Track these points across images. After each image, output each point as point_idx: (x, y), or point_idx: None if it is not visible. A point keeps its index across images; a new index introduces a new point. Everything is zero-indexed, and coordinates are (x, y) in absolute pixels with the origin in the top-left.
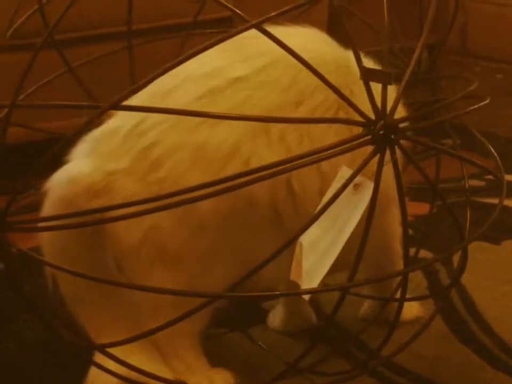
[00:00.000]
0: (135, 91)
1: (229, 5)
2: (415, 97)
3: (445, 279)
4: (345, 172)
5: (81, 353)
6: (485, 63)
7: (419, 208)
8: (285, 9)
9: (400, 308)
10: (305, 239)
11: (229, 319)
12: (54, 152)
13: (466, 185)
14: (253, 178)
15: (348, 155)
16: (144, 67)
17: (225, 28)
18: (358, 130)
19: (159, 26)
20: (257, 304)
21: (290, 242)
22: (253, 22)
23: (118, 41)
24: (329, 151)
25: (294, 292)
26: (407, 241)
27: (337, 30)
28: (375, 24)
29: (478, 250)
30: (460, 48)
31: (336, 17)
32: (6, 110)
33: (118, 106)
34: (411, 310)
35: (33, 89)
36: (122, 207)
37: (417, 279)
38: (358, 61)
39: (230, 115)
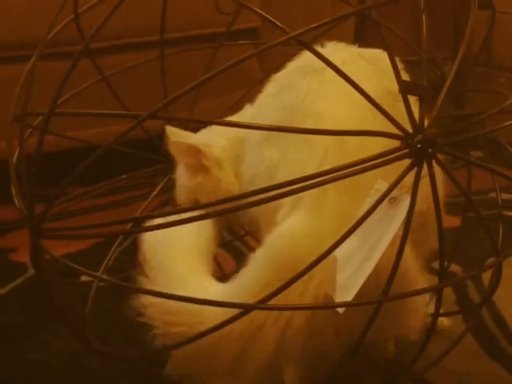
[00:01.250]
0: (173, 100)
1: (268, 17)
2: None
3: (473, 293)
4: (380, 185)
5: (112, 362)
6: (510, 74)
7: (448, 221)
8: (325, 21)
9: (434, 323)
10: (340, 252)
11: None
12: (91, 162)
13: (499, 199)
14: (295, 188)
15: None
16: (175, 76)
17: (251, 39)
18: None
19: (191, 36)
20: None
21: (326, 255)
22: (292, 34)
23: (150, 50)
24: (367, 164)
25: (329, 304)
26: (443, 256)
27: (363, 42)
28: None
29: (507, 265)
30: (484, 59)
31: (364, 28)
32: (39, 118)
33: (156, 116)
34: (441, 321)
35: (67, 97)
36: None
37: (446, 293)
38: (397, 74)
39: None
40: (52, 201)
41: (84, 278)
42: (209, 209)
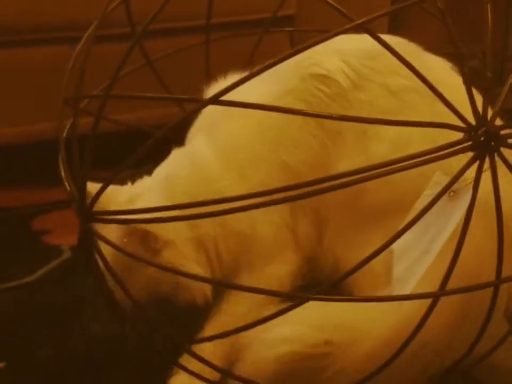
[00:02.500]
0: (237, 85)
1: (333, 3)
2: None
3: None
4: (439, 178)
5: (162, 351)
6: None
7: None
8: (392, 8)
9: (488, 320)
10: (396, 245)
11: None
12: (149, 146)
13: None
14: (357, 178)
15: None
16: (219, 62)
17: (287, 26)
18: None
19: (234, 21)
20: None
21: (385, 247)
22: (358, 22)
23: (195, 35)
24: (428, 157)
25: (385, 297)
26: (501, 253)
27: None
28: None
29: None
30: None
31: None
32: (86, 100)
33: (218, 102)
34: None
35: (113, 80)
36: None
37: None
38: (461, 64)
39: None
40: (106, 185)
41: None
42: None
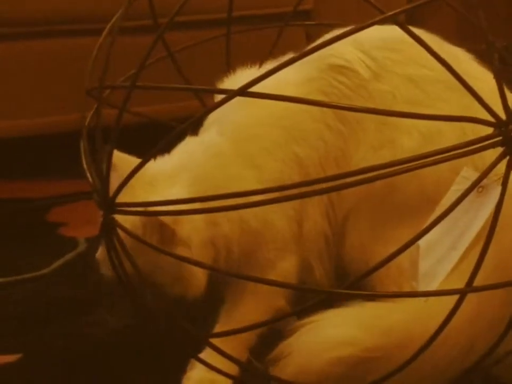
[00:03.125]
0: (263, 77)
1: None
2: None
3: None
4: (467, 173)
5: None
6: None
7: None
8: (421, 1)
9: (511, 322)
10: (423, 240)
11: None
12: (172, 138)
13: None
14: (387, 172)
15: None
16: (239, 55)
17: (304, 21)
18: None
19: (255, 15)
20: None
21: (412, 243)
22: (388, 14)
23: (216, 28)
24: (456, 151)
25: (411, 293)
26: None
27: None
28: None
29: None
30: None
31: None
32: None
33: (246, 93)
34: None
35: (139, 71)
36: None
37: None
38: (493, 60)
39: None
40: (130, 176)
41: None
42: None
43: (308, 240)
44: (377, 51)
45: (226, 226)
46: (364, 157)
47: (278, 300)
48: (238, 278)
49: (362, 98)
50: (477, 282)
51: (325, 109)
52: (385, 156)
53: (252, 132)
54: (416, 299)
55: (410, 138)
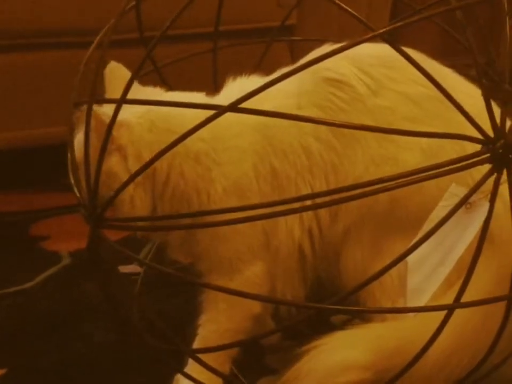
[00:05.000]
0: (254, 93)
1: (355, 14)
2: None
3: None
4: (455, 189)
5: (164, 357)
6: None
7: None
8: (410, 19)
9: (500, 333)
10: (411, 256)
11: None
12: (163, 153)
13: None
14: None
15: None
16: (225, 68)
17: (287, 36)
18: None
19: (241, 29)
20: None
21: (400, 259)
22: (378, 32)
23: (203, 42)
24: (444, 169)
25: (399, 309)
26: None
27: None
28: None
29: None
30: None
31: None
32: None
33: (237, 109)
34: None
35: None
36: None
37: None
38: (480, 76)
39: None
40: (118, 191)
41: (121, 269)
42: None
43: (278, 253)
44: (372, 68)
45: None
46: (365, 172)
47: (253, 307)
48: (213, 290)
49: (360, 113)
50: (479, 298)
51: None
52: (388, 172)
53: (234, 129)
54: (419, 316)
55: (413, 155)
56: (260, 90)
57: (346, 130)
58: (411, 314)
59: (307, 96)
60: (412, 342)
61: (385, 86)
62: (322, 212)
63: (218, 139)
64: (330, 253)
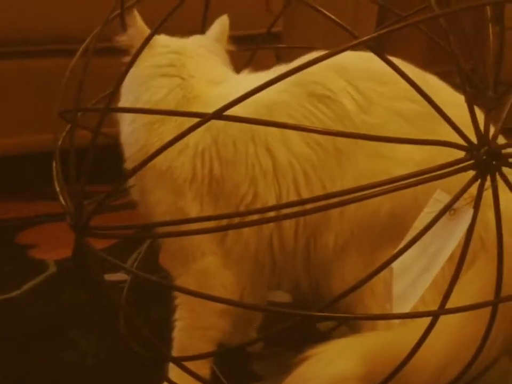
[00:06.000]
0: (239, 101)
1: (339, 21)
2: None
3: None
4: (440, 196)
5: (151, 364)
6: None
7: None
8: (395, 26)
9: (485, 340)
10: (396, 262)
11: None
12: (146, 163)
13: None
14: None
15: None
16: None
17: (273, 43)
18: None
19: (232, 35)
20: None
21: (385, 266)
22: (362, 39)
23: None
24: (430, 175)
25: (385, 315)
26: (501, 272)
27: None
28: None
29: None
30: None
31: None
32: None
33: (221, 116)
34: None
35: (113, 94)
36: None
37: None
38: (464, 84)
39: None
40: (103, 200)
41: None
42: None
43: (234, 255)
44: (362, 82)
45: None
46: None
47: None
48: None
49: (347, 130)
50: None
51: (307, 137)
52: None
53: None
54: (411, 325)
55: (406, 170)
56: (244, 98)
57: (329, 145)
58: (397, 320)
59: (287, 109)
60: (405, 350)
61: (375, 102)
62: (287, 224)
63: None
64: (317, 267)
